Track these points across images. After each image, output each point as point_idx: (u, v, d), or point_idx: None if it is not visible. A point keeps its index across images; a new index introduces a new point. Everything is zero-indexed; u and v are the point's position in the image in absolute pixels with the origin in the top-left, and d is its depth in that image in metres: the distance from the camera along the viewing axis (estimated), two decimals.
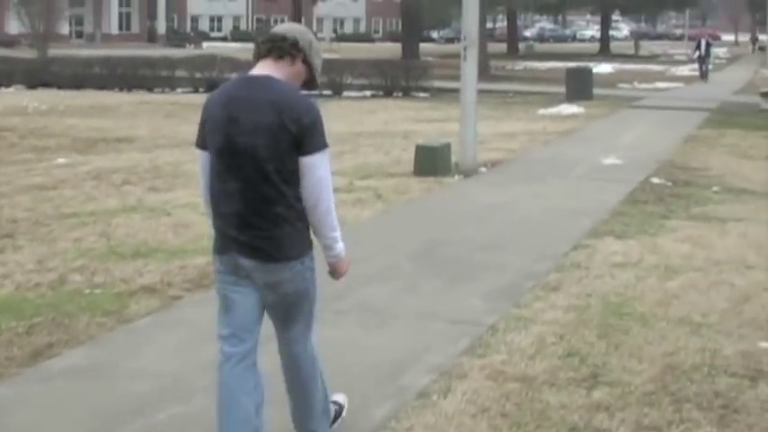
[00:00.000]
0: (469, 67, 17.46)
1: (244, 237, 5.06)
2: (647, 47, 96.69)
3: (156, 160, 19.63)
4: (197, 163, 5.24)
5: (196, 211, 13.14)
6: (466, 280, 9.84)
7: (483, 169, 17.64)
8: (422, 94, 38.25)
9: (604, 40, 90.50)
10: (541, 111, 30.66)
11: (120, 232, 12.18)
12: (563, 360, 7.46)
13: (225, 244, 5.14)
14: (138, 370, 7.21)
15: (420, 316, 8.63)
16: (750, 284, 9.78)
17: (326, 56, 37.17)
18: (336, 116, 29.56)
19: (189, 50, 75.76)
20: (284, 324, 5.35)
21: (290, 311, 5.28)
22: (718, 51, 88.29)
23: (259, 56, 5.18)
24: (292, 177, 5.00)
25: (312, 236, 5.23)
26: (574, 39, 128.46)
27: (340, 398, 6.03)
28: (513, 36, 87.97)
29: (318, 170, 5.00)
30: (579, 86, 34.85)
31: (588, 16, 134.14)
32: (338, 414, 5.95)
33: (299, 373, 5.45)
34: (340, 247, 5.24)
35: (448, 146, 17.28)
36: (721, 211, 13.90)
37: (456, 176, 16.84)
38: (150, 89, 41.78)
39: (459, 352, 7.62)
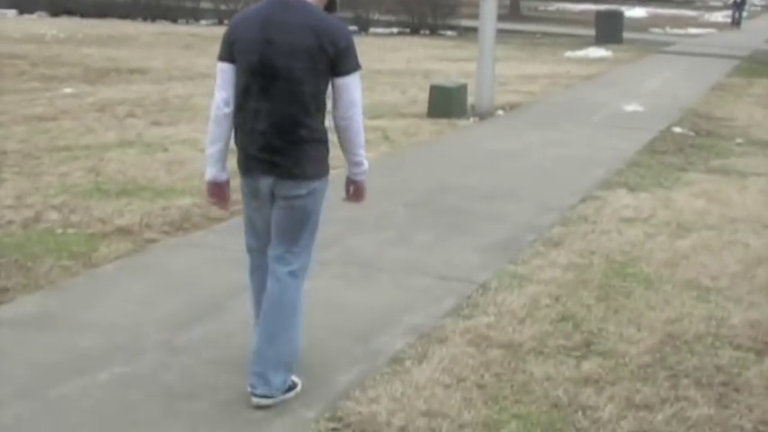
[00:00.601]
0: (488, 6, 16.76)
1: (264, 154, 5.21)
2: None
3: (166, 93, 19.12)
4: (216, 77, 5.29)
5: (194, 148, 12.72)
6: (463, 232, 9.24)
7: (500, 112, 17.00)
8: (449, 33, 37.54)
9: None
10: (568, 53, 29.92)
11: (111, 168, 11.66)
12: (555, 325, 6.87)
13: (247, 163, 5.30)
14: (91, 322, 6.66)
15: (407, 270, 8.04)
16: (766, 246, 9.17)
17: None
18: (360, 53, 28.77)
19: None
20: (285, 238, 5.39)
21: (294, 227, 5.37)
22: (755, 0, 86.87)
23: None
24: (322, 100, 5.21)
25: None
26: None
27: (297, 380, 5.66)
28: None
29: (352, 90, 5.22)
30: (609, 30, 34.04)
31: None
32: (291, 387, 5.59)
33: (283, 297, 5.42)
34: (367, 164, 5.46)
35: (464, 87, 16.63)
36: (742, 164, 13.25)
37: (471, 119, 16.21)
38: (174, 20, 41.10)
39: (443, 312, 7.03)
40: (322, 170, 5.34)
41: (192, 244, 8.63)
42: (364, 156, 5.43)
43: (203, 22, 40.95)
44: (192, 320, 6.69)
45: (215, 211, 9.56)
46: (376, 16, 38.32)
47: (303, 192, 5.28)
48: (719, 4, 45.40)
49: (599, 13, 36.27)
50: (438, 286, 7.64)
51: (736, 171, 12.68)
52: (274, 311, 5.41)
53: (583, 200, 10.63)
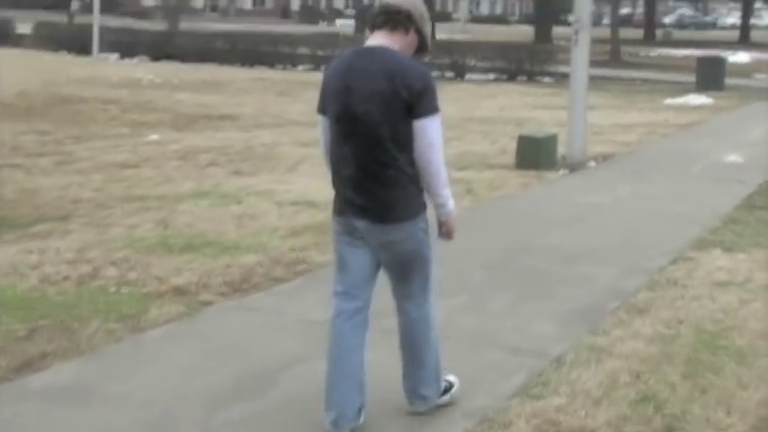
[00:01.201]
0: (580, 53, 16.12)
1: (358, 199, 5.37)
2: None
3: (252, 140, 18.77)
4: (318, 128, 5.57)
5: (270, 200, 12.41)
6: (541, 297, 8.61)
7: (592, 163, 16.32)
8: (546, 80, 36.88)
9: (745, 27, 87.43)
10: (668, 100, 29.09)
11: (181, 220, 11.26)
12: (634, 407, 6.21)
13: (342, 206, 5.47)
14: (126, 395, 6.16)
15: (475, 341, 7.42)
16: None
17: (458, 37, 36.70)
18: (453, 99, 28.52)
19: (319, 27, 75.28)
20: (399, 282, 5.60)
21: (404, 270, 5.54)
22: None
23: (374, 27, 5.45)
24: (405, 142, 5.25)
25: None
26: (714, 26, 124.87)
27: (452, 377, 6.12)
28: (650, 22, 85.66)
29: (429, 133, 5.24)
30: (710, 76, 33.10)
31: (730, 3, 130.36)
32: (448, 389, 6.04)
33: (412, 331, 5.68)
34: (452, 204, 5.50)
35: (554, 137, 15.98)
36: None
37: (561, 171, 15.56)
38: (272, 65, 41.05)
39: (511, 392, 6.40)
40: (414, 211, 5.43)
41: (249, 307, 8.12)
42: (447, 196, 5.47)
43: (300, 67, 40.85)
44: (235, 396, 6.16)
45: (278, 271, 9.12)
46: (473, 62, 37.81)
47: (399, 236, 5.43)
48: None
49: (700, 60, 35.28)
50: (507, 360, 7.02)
51: None
52: (410, 342, 5.72)
53: (674, 261, 9.94)
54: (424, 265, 5.60)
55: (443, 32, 67.79)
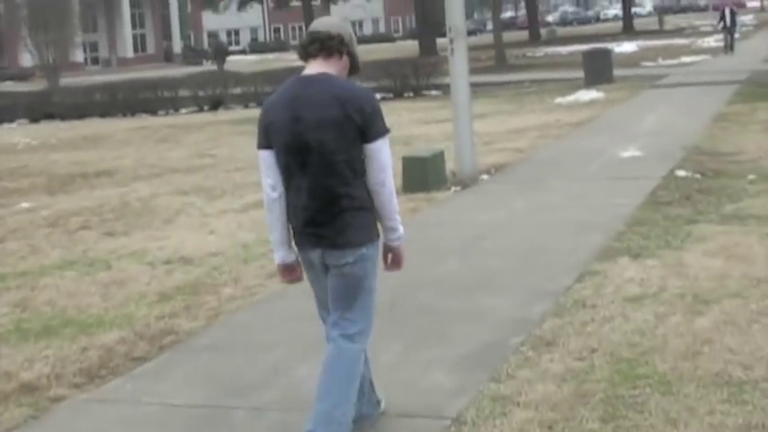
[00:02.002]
0: (458, 62, 15.26)
1: (310, 228, 5.39)
2: (672, 21, 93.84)
3: (128, 195, 17.64)
4: (260, 165, 5.48)
5: (141, 261, 11.49)
6: (434, 341, 7.65)
7: (484, 177, 15.44)
8: (434, 92, 35.99)
9: (627, 17, 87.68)
10: (558, 99, 28.40)
11: (42, 298, 10.22)
12: None
13: (298, 238, 5.51)
14: None
15: None
16: None
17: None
18: None
19: (203, 67, 74.12)
20: (343, 305, 5.51)
21: (349, 293, 5.48)
22: (745, 19, 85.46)
23: (308, 56, 5.45)
24: (359, 168, 5.32)
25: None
26: (597, 20, 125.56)
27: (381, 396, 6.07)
28: (533, 22, 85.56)
29: (382, 155, 5.34)
30: (598, 70, 32.47)
31: None
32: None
33: (338, 361, 5.49)
34: (402, 229, 5.57)
35: (441, 154, 15.07)
36: (759, 206, 11.69)
37: (452, 189, 14.66)
38: (154, 112, 39.73)
39: None
40: (368, 236, 5.43)
41: (104, 399, 7.08)
42: (399, 221, 5.54)
43: (183, 110, 39.59)
44: None
45: (141, 348, 8.12)
46: (357, 84, 36.73)
47: (350, 259, 5.39)
48: (710, 29, 43.66)
49: (586, 54, 34.66)
50: (395, 428, 6.02)
51: (753, 216, 11.13)
52: (330, 372, 5.48)
53: (579, 278, 9.06)
54: (367, 296, 5.56)
55: None
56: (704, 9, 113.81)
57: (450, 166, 15.54)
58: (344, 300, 5.53)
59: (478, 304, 8.41)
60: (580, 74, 33.60)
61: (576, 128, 21.26)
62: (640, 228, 10.90)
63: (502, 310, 8.29)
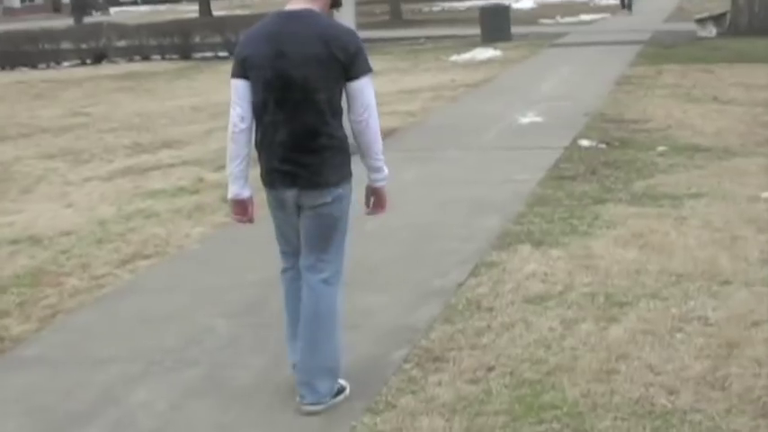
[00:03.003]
0: (343, 16, 13.90)
1: (286, 166, 5.32)
2: None
3: None
4: (231, 94, 5.37)
5: None
6: None
7: None
8: None
9: None
10: (454, 57, 27.18)
11: None
12: None
13: (270, 176, 5.42)
14: None
15: None
16: (732, 317, 6.48)
17: (238, 12, 34.18)
18: (223, 80, 25.99)
19: (92, 18, 71.81)
20: (318, 246, 5.46)
21: (323, 235, 5.44)
22: None
23: None
24: (338, 107, 5.32)
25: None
26: None
27: (343, 381, 5.70)
28: None
29: (365, 94, 5.28)
30: (496, 27, 31.30)
31: None
32: (340, 391, 5.65)
33: (316, 312, 5.46)
34: (387, 170, 5.51)
35: None
36: (672, 183, 10.61)
37: None
38: (34, 65, 37.71)
39: None
40: (344, 176, 5.40)
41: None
42: (383, 161, 5.46)
43: (66, 63, 37.68)
44: None
45: None
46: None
47: (328, 199, 5.33)
48: None
49: (483, 10, 33.34)
50: None
51: (666, 196, 10.03)
52: (313, 321, 5.44)
53: (474, 271, 7.87)
54: (341, 237, 5.51)
55: (220, 9, 65.27)
56: None
57: None
58: (320, 241, 5.46)
59: (356, 306, 7.06)
60: (477, 30, 32.40)
61: (473, 89, 20.02)
62: (542, 208, 9.75)
63: (383, 314, 7.05)
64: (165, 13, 71.79)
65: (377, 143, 5.43)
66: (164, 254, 9.34)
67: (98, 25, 40.38)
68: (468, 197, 10.29)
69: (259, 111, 5.34)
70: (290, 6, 5.35)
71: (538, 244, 8.50)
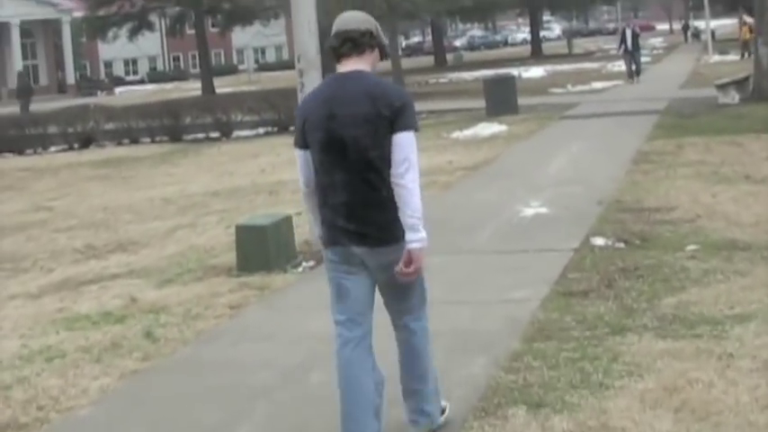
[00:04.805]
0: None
1: (352, 225, 5.40)
2: (581, 44, 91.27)
3: None
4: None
5: None
6: None
7: None
8: None
9: (535, 41, 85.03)
10: (455, 134, 24.95)
11: None
12: None
13: (335, 235, 5.50)
14: None
15: None
16: None
17: (245, 88, 32.21)
18: (208, 166, 24.29)
19: (97, 98, 70.37)
20: (399, 300, 5.63)
21: (404, 288, 5.55)
22: (654, 42, 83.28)
23: (341, 56, 5.52)
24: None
25: None
26: (506, 44, 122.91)
27: (445, 402, 6.05)
28: (439, 47, 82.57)
29: (406, 148, 5.31)
30: (501, 99, 28.99)
31: (519, 19, 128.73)
32: (443, 410, 5.97)
33: (415, 346, 5.73)
34: (424, 232, 5.38)
35: (287, 220, 11.52)
36: (710, 298, 8.39)
37: (302, 266, 11.13)
38: (21, 152, 35.67)
39: None
40: None
41: None
42: (420, 220, 5.35)
43: (53, 148, 35.63)
44: None
45: None
46: (239, 117, 33.18)
47: (398, 255, 5.34)
48: (620, 52, 40.55)
49: (488, 81, 30.96)
50: None
51: (704, 320, 7.81)
52: (414, 357, 5.76)
53: None
54: (421, 282, 5.63)
55: (229, 85, 63.66)
56: (612, 32, 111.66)
57: (304, 232, 12.07)
58: (402, 298, 5.62)
59: None
60: (483, 103, 30.16)
61: (472, 173, 17.62)
62: (545, 344, 7.49)
63: None
64: (170, 91, 70.50)
65: (414, 200, 5.33)
66: (44, 421, 7.08)
67: (85, 108, 38.37)
68: (447, 328, 7.89)
69: (319, 173, 5.47)
70: (341, 69, 5.53)
71: (536, 406, 6.24)
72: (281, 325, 8.84)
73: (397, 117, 5.32)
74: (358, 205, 5.40)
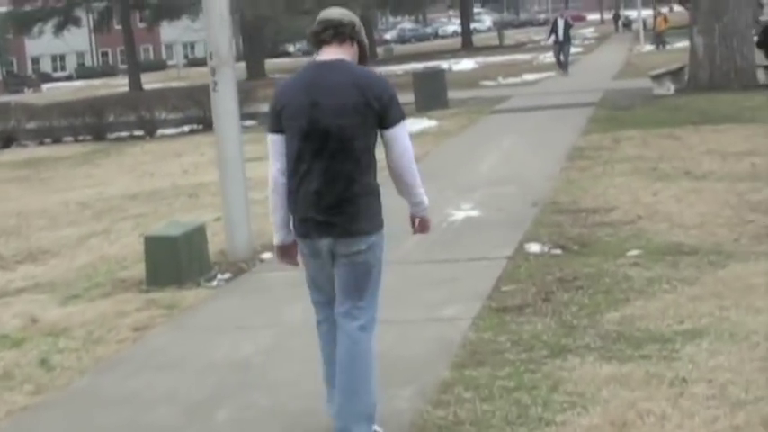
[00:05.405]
0: (225, 100, 10.98)
1: (321, 216, 5.42)
2: (512, 36, 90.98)
3: None
4: (269, 149, 5.57)
5: None
6: None
7: (266, 255, 11.12)
8: (248, 123, 31.44)
9: (466, 34, 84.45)
10: None
11: None
12: None
13: (305, 227, 5.52)
14: None
15: None
16: None
17: (174, 84, 31.00)
18: (129, 167, 23.35)
19: (24, 95, 69.15)
20: (354, 295, 5.55)
21: (358, 282, 5.54)
22: (585, 32, 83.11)
23: (322, 43, 5.55)
24: (373, 155, 5.48)
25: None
26: (436, 36, 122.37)
27: (380, 429, 5.73)
28: (369, 40, 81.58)
29: (401, 140, 5.49)
30: (431, 93, 28.18)
31: (450, 11, 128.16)
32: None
33: (354, 357, 5.53)
34: (427, 200, 5.71)
35: (199, 230, 10.67)
36: (656, 312, 7.75)
37: (215, 281, 10.32)
38: None
39: None
40: (378, 224, 5.53)
41: None
42: (424, 194, 5.66)
43: None
44: None
45: None
46: (163, 115, 32.19)
47: (363, 247, 5.44)
48: (549, 42, 39.82)
49: (417, 75, 30.10)
50: None
51: (652, 337, 7.17)
52: (350, 368, 5.52)
53: None
54: (376, 284, 5.62)
55: (157, 81, 62.59)
56: (544, 23, 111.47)
57: (221, 241, 11.27)
58: (356, 289, 5.54)
59: None
60: (413, 97, 29.37)
61: None
62: (477, 371, 6.76)
63: None
64: (98, 87, 69.30)
65: (416, 182, 5.56)
66: None
67: (6, 106, 37.10)
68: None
69: (294, 161, 5.43)
70: (322, 57, 5.51)
71: None
72: (188, 351, 8.01)
73: (387, 111, 5.38)
74: (331, 195, 5.39)
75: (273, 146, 5.53)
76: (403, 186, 5.57)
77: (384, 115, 5.39)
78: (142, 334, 8.64)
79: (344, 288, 5.58)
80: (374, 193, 5.52)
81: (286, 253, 5.77)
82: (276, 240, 5.74)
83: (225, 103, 11.01)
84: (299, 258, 5.76)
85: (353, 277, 5.53)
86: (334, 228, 5.42)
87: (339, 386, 5.53)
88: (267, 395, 6.77)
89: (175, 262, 10.19)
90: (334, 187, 5.39)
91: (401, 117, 5.47)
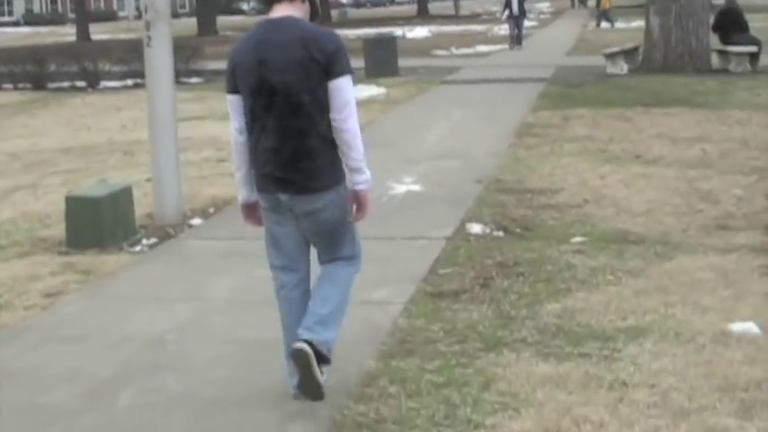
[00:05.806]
0: (158, 56, 10.44)
1: (279, 172, 5.42)
2: (469, 6, 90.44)
3: None
4: (228, 107, 5.56)
5: None
6: None
7: (196, 221, 10.66)
8: (193, 80, 30.94)
9: (422, 1, 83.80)
10: None
11: None
12: None
13: (264, 181, 5.52)
14: None
15: None
16: None
17: (123, 36, 30.16)
18: (67, 119, 22.64)
19: None
20: (329, 248, 5.65)
21: (332, 237, 5.61)
22: (542, 6, 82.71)
23: (273, 1, 5.48)
24: (325, 107, 5.36)
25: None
26: (392, 2, 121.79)
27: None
28: (323, 2, 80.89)
29: (345, 93, 5.36)
30: (381, 60, 27.69)
31: None
32: (327, 359, 5.59)
33: (333, 277, 5.65)
34: (369, 173, 5.50)
35: (126, 192, 10.12)
36: (599, 306, 7.33)
37: (140, 244, 9.80)
38: None
39: None
40: (337, 180, 5.50)
41: None
42: (364, 162, 5.47)
43: None
44: None
45: None
46: (107, 67, 31.46)
47: (319, 205, 5.44)
48: (504, 17, 39.06)
49: (368, 41, 29.49)
50: None
51: (592, 334, 6.77)
52: (331, 280, 5.63)
53: None
54: (351, 233, 5.66)
55: (107, 32, 61.59)
56: None
57: (151, 203, 10.74)
58: (330, 246, 5.63)
59: None
60: (363, 63, 28.84)
61: None
62: (405, 362, 6.31)
63: None
64: (45, 35, 68.05)
65: (357, 143, 5.40)
66: None
67: None
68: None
69: (250, 119, 5.46)
70: (272, 14, 5.48)
71: None
72: (99, 322, 7.48)
73: (331, 63, 5.32)
74: (286, 152, 5.39)
75: (231, 106, 5.55)
76: (341, 145, 5.41)
77: (328, 67, 5.32)
78: (53, 301, 8.11)
79: (318, 245, 5.68)
80: (332, 147, 5.42)
81: (250, 212, 5.78)
82: (240, 199, 5.78)
83: (158, 60, 10.50)
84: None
85: (323, 236, 5.60)
86: (292, 184, 5.41)
87: (313, 298, 5.61)
88: (178, 378, 6.27)
89: (97, 224, 9.67)
90: (288, 143, 5.38)
91: (347, 70, 5.37)
